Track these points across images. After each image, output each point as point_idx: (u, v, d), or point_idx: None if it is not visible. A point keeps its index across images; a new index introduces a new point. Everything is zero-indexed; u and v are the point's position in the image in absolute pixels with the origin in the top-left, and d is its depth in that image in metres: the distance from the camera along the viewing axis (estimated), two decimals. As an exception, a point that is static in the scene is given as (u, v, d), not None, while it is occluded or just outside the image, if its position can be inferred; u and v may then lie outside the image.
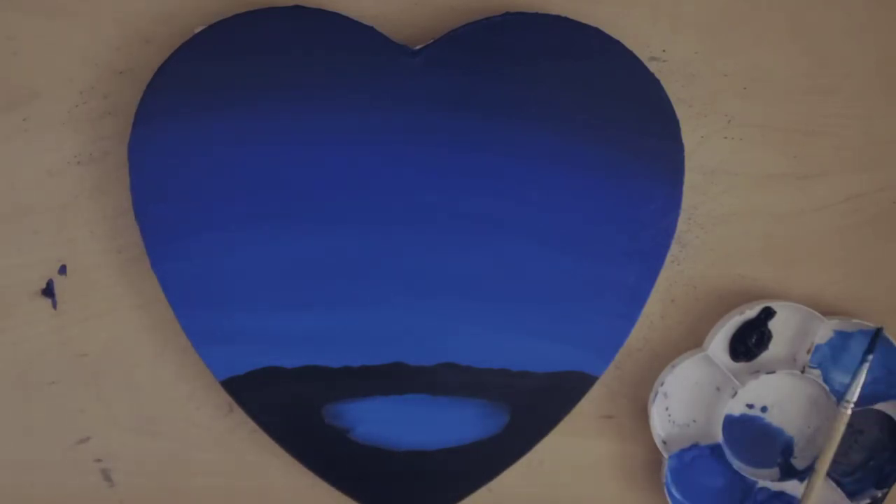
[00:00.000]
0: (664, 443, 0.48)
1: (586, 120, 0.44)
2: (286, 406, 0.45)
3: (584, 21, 0.45)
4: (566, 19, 0.45)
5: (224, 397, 0.47)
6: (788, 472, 0.48)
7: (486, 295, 0.45)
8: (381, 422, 0.46)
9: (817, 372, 0.48)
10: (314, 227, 0.44)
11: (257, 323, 0.44)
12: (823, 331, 0.47)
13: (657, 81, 0.45)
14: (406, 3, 0.46)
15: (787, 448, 0.49)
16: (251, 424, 0.46)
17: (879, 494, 0.48)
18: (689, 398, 0.48)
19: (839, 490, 0.48)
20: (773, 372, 0.47)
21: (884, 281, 0.49)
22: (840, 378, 0.48)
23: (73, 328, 0.47)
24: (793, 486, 0.48)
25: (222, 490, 0.49)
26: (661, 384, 0.47)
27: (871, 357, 0.46)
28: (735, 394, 0.47)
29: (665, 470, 0.47)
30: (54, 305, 0.47)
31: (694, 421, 0.48)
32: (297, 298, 0.45)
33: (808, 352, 0.47)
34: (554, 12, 0.45)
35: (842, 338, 0.47)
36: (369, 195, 0.45)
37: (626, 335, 0.46)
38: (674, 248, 0.47)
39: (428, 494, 0.47)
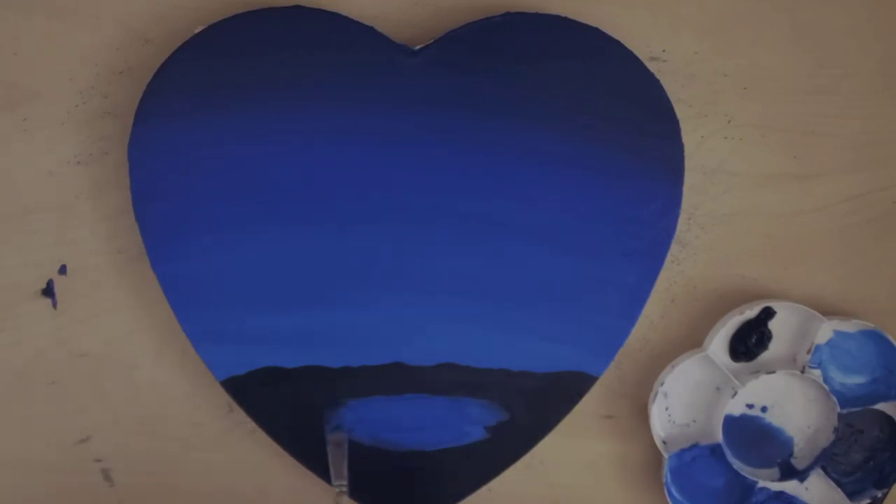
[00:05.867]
0: (664, 443, 0.48)
1: (586, 120, 0.45)
2: (286, 406, 0.45)
3: (584, 21, 0.45)
4: (566, 19, 0.45)
5: (224, 397, 0.47)
6: (788, 472, 0.48)
7: (486, 295, 0.45)
8: (381, 422, 0.46)
9: (817, 372, 0.48)
10: (314, 227, 0.44)
11: (257, 323, 0.44)
12: (823, 331, 0.47)
13: (657, 81, 0.45)
14: (406, 3, 0.46)
15: (787, 448, 0.49)
16: (251, 424, 0.46)
17: (879, 494, 0.48)
18: (689, 398, 0.48)
19: (839, 490, 0.48)
20: (773, 372, 0.47)
21: (884, 281, 0.49)
22: (840, 378, 0.48)
23: (73, 328, 0.47)
24: (793, 487, 0.48)
25: (222, 490, 0.49)
26: (661, 384, 0.47)
27: None
28: (735, 394, 0.47)
29: (665, 470, 0.47)
30: (54, 305, 0.47)
31: (694, 421, 0.48)
32: (297, 298, 0.44)
33: (808, 352, 0.47)
34: (554, 12, 0.45)
35: (842, 338, 0.47)
36: (369, 195, 0.45)
37: (626, 335, 0.46)
38: (674, 248, 0.47)
39: (428, 494, 0.47)
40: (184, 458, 0.48)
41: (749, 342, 0.47)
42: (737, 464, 0.48)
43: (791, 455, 0.49)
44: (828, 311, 0.48)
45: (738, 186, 0.48)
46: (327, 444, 0.45)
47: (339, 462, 0.44)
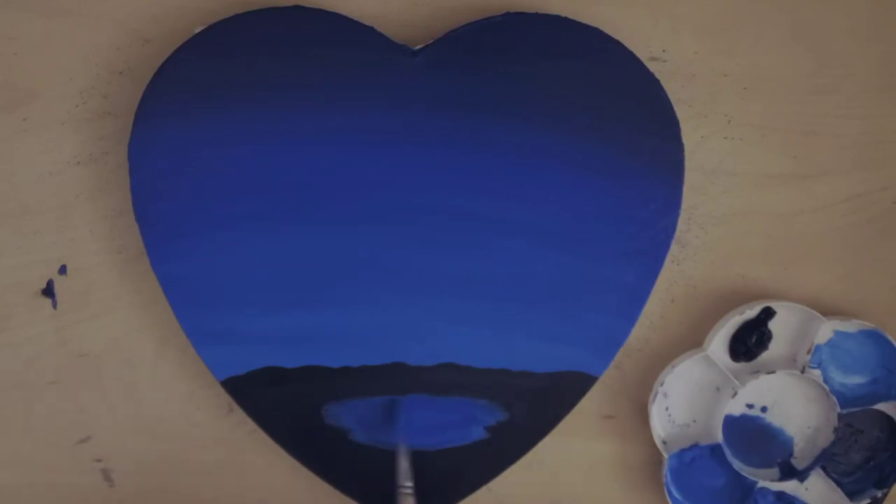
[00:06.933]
0: (664, 443, 0.48)
1: (586, 120, 0.45)
2: (286, 406, 0.45)
3: (584, 21, 0.45)
4: (566, 19, 0.45)
5: (224, 397, 0.47)
6: (788, 472, 0.48)
7: (487, 295, 0.45)
8: (381, 422, 0.46)
9: (817, 372, 0.48)
10: (314, 226, 0.44)
11: (257, 323, 0.44)
12: (823, 331, 0.47)
13: (657, 81, 0.45)
14: (406, 3, 0.46)
15: (787, 448, 0.49)
16: (251, 424, 0.46)
17: (879, 494, 0.48)
18: (689, 398, 0.48)
19: (839, 490, 0.48)
20: (773, 372, 0.47)
21: (884, 281, 0.49)
22: (840, 378, 0.48)
23: (73, 328, 0.47)
24: (793, 486, 0.48)
25: (222, 490, 0.49)
26: (661, 384, 0.47)
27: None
28: (735, 394, 0.47)
29: (665, 470, 0.47)
30: (54, 305, 0.47)
31: (694, 421, 0.48)
32: (298, 298, 0.45)
33: (808, 352, 0.47)
34: (554, 12, 0.45)
35: (842, 338, 0.47)
36: (369, 195, 0.45)
37: (626, 335, 0.46)
38: (674, 248, 0.47)
39: (428, 494, 0.47)
40: (184, 458, 0.48)
41: (749, 342, 0.47)
42: (737, 464, 0.48)
43: (791, 455, 0.49)
44: (828, 311, 0.48)
45: (738, 186, 0.48)
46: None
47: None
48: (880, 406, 0.48)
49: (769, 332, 0.47)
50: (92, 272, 0.47)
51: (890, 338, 0.47)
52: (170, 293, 0.44)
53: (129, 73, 0.46)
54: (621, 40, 0.45)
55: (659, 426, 0.48)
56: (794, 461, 0.49)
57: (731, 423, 0.48)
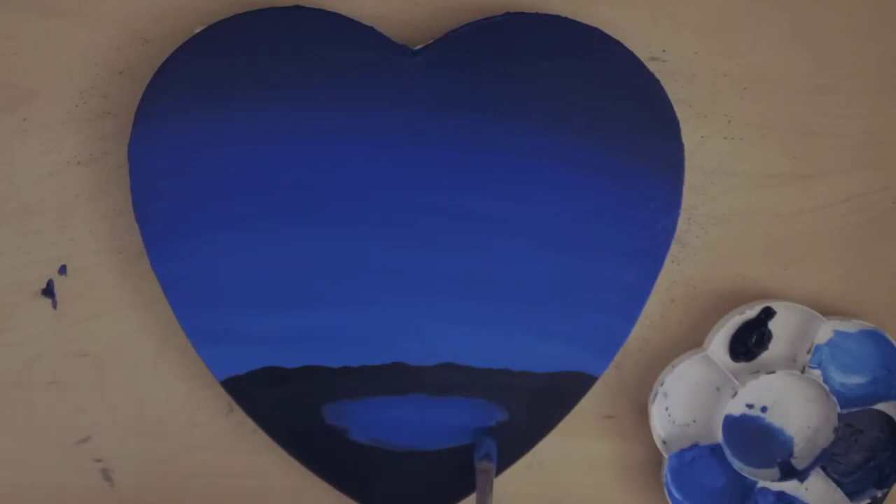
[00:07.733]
0: (664, 443, 0.48)
1: (586, 120, 0.45)
2: (286, 406, 0.45)
3: (584, 21, 0.45)
4: (566, 19, 0.45)
5: (224, 397, 0.47)
6: (788, 472, 0.48)
7: (487, 295, 0.45)
8: (381, 422, 0.46)
9: (817, 372, 0.48)
10: (314, 226, 0.44)
11: (257, 323, 0.44)
12: (823, 331, 0.47)
13: (657, 81, 0.45)
14: (406, 3, 0.46)
15: (787, 448, 0.49)
16: (251, 424, 0.46)
17: (879, 494, 0.48)
18: (689, 398, 0.48)
19: (839, 490, 0.48)
20: (773, 372, 0.47)
21: (884, 281, 0.49)
22: (840, 378, 0.48)
23: (73, 328, 0.47)
24: (793, 486, 0.48)
25: (222, 490, 0.49)
26: (661, 384, 0.47)
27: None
28: (735, 394, 0.47)
29: (665, 470, 0.47)
30: (54, 305, 0.47)
31: (694, 421, 0.48)
32: (298, 298, 0.45)
33: (808, 352, 0.47)
34: (554, 12, 0.45)
35: (842, 338, 0.47)
36: (369, 195, 0.45)
37: (626, 335, 0.46)
38: (674, 248, 0.47)
39: (428, 494, 0.47)
40: (184, 458, 0.48)
41: (749, 342, 0.47)
42: (737, 464, 0.48)
43: (791, 455, 0.49)
44: (828, 311, 0.48)
45: (738, 186, 0.48)
46: (476, 472, 0.44)
47: (485, 491, 0.43)
48: (880, 406, 0.48)
49: (769, 332, 0.47)
50: (92, 272, 0.47)
51: (890, 338, 0.47)
52: (170, 293, 0.44)
53: (129, 73, 0.46)
54: (621, 40, 0.45)
55: (659, 426, 0.48)
56: (794, 461, 0.49)
57: (731, 423, 0.48)
